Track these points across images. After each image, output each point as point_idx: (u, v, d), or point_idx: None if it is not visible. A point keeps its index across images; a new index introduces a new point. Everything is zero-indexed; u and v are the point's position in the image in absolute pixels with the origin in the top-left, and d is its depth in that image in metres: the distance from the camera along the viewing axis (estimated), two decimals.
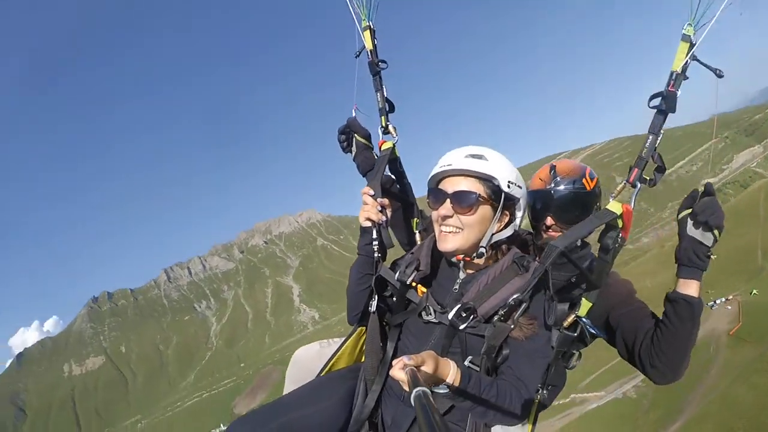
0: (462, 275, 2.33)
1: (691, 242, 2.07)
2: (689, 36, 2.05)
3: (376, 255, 2.48)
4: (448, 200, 2.19)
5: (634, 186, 2.16)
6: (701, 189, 2.12)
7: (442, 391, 1.76)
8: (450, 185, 2.21)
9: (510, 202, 2.25)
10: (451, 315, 2.09)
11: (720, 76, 2.05)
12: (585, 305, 2.26)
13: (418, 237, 2.88)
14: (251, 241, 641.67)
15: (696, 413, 47.07)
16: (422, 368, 1.59)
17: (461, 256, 2.26)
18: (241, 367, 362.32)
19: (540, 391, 2.36)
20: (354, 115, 2.92)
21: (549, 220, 2.87)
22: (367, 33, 2.82)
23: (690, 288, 2.11)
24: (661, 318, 2.24)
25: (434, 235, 2.43)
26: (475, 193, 2.15)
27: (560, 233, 2.75)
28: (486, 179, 2.16)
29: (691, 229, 2.07)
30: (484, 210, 2.19)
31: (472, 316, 2.08)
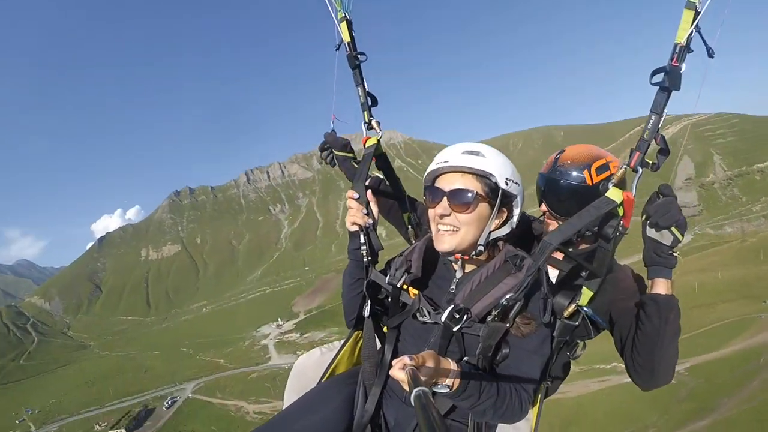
0: (459, 275, 2.26)
1: (650, 243, 2.07)
2: (694, 3, 1.85)
3: (365, 259, 2.41)
4: (445, 198, 2.11)
5: (635, 171, 2.04)
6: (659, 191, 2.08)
7: (442, 391, 1.75)
8: (446, 183, 2.13)
9: (507, 199, 2.17)
10: (443, 317, 2.03)
11: (710, 56, 1.88)
12: (586, 294, 2.21)
13: (411, 231, 2.84)
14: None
15: (726, 416, 50.79)
16: (423, 368, 1.57)
17: (459, 256, 2.18)
18: (305, 270, 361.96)
19: (544, 382, 2.33)
20: (332, 126, 2.91)
21: (543, 207, 2.76)
22: (344, 25, 2.69)
23: (658, 287, 2.10)
24: (636, 322, 2.21)
25: (428, 236, 2.39)
26: (473, 190, 2.07)
27: (553, 222, 2.68)
28: (483, 176, 2.08)
29: (648, 231, 2.07)
30: (482, 208, 2.11)
31: (465, 317, 2.01)
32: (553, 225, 2.66)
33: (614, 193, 2.03)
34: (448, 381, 1.74)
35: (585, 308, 2.21)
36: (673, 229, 2.01)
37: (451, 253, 2.16)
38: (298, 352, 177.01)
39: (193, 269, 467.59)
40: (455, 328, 2.01)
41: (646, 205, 2.08)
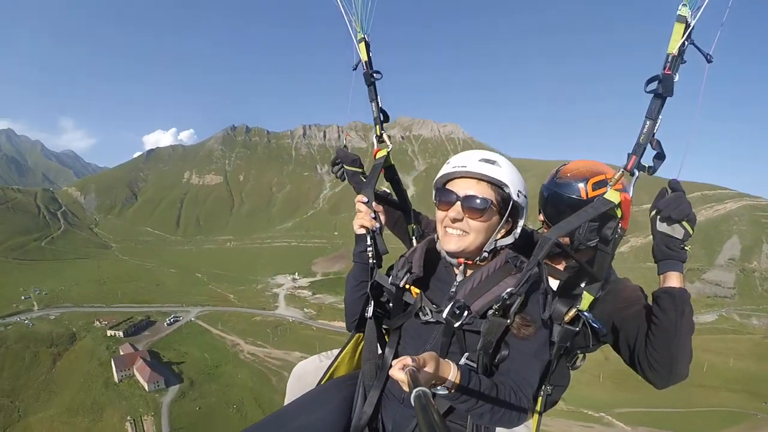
0: (460, 278, 2.29)
1: (662, 237, 2.11)
2: (685, 17, 1.98)
3: (370, 261, 2.45)
4: (459, 203, 2.14)
5: (632, 174, 2.11)
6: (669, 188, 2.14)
7: (442, 393, 1.76)
8: (461, 187, 2.16)
9: (515, 211, 2.22)
10: (445, 313, 2.07)
11: (709, 61, 1.96)
12: (586, 298, 2.26)
13: (414, 243, 2.87)
14: (390, 130, 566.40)
15: None
16: (423, 369, 1.58)
17: (463, 260, 2.22)
18: (334, 234, 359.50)
19: (544, 388, 2.39)
20: (345, 143, 3.10)
21: (541, 217, 2.84)
22: (362, 45, 2.85)
23: (671, 281, 2.12)
24: (650, 318, 2.21)
25: (428, 240, 2.47)
26: (488, 199, 2.11)
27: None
28: (498, 186, 2.12)
29: (659, 225, 2.10)
30: (493, 216, 2.16)
31: (466, 313, 2.04)
32: None
33: (612, 195, 2.10)
34: (448, 383, 1.75)
35: (585, 313, 2.25)
36: (684, 223, 2.05)
37: (457, 254, 2.19)
38: (305, 309, 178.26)
39: (229, 203, 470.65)
40: (456, 324, 2.03)
41: (655, 200, 2.12)
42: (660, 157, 2.08)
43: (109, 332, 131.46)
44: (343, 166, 3.00)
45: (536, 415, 2.45)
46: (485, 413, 1.90)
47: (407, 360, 1.48)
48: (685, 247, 2.09)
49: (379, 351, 2.54)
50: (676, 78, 1.98)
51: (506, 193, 2.12)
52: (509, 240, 2.26)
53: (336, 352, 2.87)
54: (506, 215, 2.17)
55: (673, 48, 1.98)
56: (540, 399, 2.42)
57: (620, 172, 2.14)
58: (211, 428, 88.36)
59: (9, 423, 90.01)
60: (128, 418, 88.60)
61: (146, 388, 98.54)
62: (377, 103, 2.87)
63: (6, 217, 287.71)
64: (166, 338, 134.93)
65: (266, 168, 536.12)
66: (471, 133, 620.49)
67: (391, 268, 2.49)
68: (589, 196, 2.54)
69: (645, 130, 2.04)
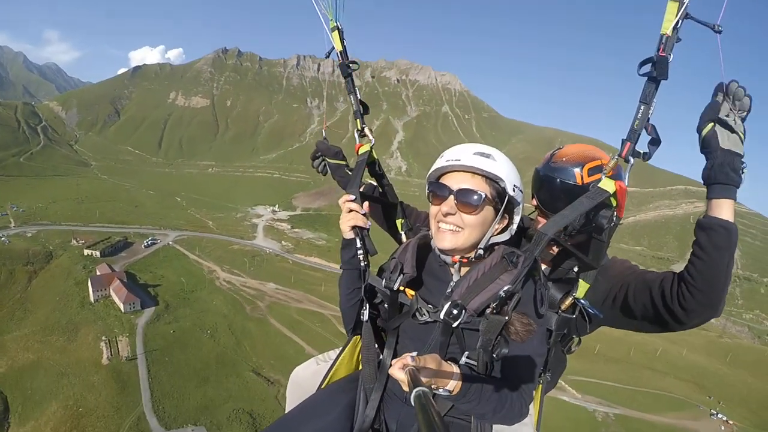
0: (456, 277, 2.22)
1: (724, 155, 1.88)
2: None
3: (362, 264, 2.36)
4: (453, 197, 2.08)
5: (627, 161, 2.04)
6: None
7: (443, 394, 1.76)
8: (454, 181, 2.10)
9: (511, 206, 2.15)
10: (442, 314, 2.01)
11: (718, 31, 1.83)
12: (582, 286, 2.23)
13: (404, 238, 2.78)
14: (386, 72, 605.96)
15: None
16: (423, 370, 1.56)
17: (457, 258, 2.16)
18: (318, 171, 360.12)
19: (543, 376, 2.39)
20: (324, 135, 2.98)
21: (534, 201, 2.72)
22: (336, 34, 2.71)
23: (724, 210, 1.92)
24: (693, 251, 1.99)
25: (420, 236, 2.41)
26: (482, 192, 2.04)
27: (543, 219, 2.63)
28: (493, 180, 2.06)
29: (722, 140, 1.89)
30: (487, 211, 2.09)
31: (463, 312, 1.98)
32: (543, 221, 2.59)
33: (607, 184, 2.04)
34: (450, 385, 1.74)
35: (582, 300, 2.23)
36: (741, 133, 1.89)
37: (451, 251, 2.13)
38: (282, 242, 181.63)
39: (213, 128, 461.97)
40: (455, 324, 1.99)
41: (706, 111, 1.94)
42: (655, 142, 1.99)
43: (86, 251, 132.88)
44: (324, 159, 2.92)
45: (538, 403, 2.44)
46: (487, 414, 1.90)
47: (407, 359, 1.47)
48: (745, 168, 1.89)
49: (376, 351, 2.49)
50: (671, 58, 1.89)
51: (501, 188, 2.06)
52: (505, 237, 2.21)
53: (333, 354, 2.80)
54: (501, 210, 2.11)
55: (667, 28, 1.88)
56: (540, 386, 2.41)
57: (615, 159, 2.07)
58: (185, 351, 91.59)
59: None
60: (103, 338, 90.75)
61: (122, 309, 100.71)
62: (356, 95, 2.74)
63: None
64: (143, 260, 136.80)
65: (255, 95, 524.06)
66: (468, 86, 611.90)
67: (380, 269, 2.44)
68: (585, 181, 2.44)
69: (639, 115, 1.97)
